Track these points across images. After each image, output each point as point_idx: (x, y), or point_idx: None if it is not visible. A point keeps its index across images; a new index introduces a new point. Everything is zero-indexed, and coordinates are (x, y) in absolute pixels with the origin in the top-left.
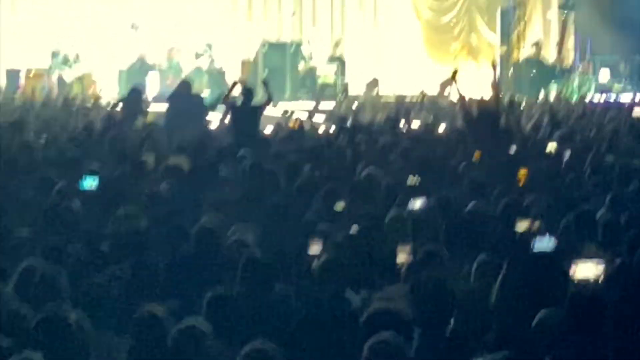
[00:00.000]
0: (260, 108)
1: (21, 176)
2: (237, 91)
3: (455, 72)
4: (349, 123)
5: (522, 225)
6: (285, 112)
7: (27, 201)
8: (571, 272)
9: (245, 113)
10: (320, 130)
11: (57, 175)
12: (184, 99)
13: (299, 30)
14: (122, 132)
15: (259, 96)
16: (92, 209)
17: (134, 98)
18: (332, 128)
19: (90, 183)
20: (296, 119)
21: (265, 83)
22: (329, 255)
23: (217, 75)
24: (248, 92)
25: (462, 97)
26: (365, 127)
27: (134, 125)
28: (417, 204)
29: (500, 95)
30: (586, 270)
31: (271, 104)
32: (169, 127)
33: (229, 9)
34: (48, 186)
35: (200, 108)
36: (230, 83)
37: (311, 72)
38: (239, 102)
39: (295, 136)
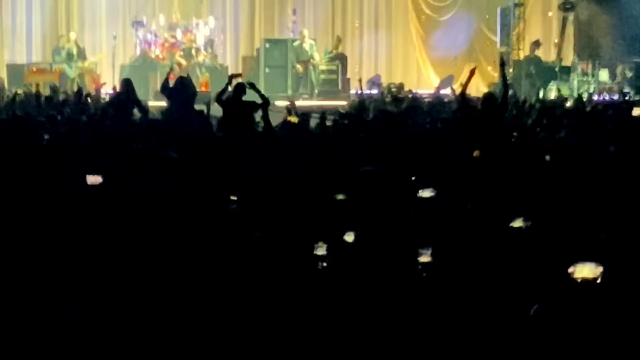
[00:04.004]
0: (255, 105)
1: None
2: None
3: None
4: (350, 119)
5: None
6: (288, 105)
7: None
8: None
9: (237, 109)
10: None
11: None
12: (182, 94)
13: (300, 27)
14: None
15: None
16: None
17: (124, 89)
18: (334, 124)
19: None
20: (295, 114)
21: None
22: None
23: (219, 71)
24: (240, 88)
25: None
26: (367, 122)
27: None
28: (425, 193)
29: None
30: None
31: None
32: (167, 121)
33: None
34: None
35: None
36: (231, 79)
37: (312, 69)
38: (230, 98)
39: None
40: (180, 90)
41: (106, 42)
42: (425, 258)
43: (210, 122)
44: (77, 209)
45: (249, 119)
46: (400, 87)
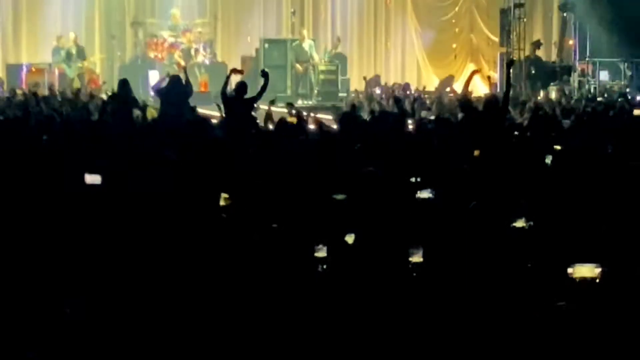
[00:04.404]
0: (253, 100)
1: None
2: (233, 83)
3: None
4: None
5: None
6: (289, 105)
7: None
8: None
9: (238, 107)
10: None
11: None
12: (174, 92)
13: (300, 27)
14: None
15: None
16: None
17: (123, 90)
18: (334, 124)
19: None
20: (294, 114)
21: (264, 74)
22: None
23: (218, 70)
24: (241, 86)
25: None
26: (367, 122)
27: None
28: (424, 194)
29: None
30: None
31: (264, 94)
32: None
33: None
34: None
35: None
36: (231, 78)
37: (312, 69)
38: (232, 95)
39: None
40: (172, 90)
41: (105, 42)
42: (416, 258)
43: (205, 121)
44: (77, 208)
45: (250, 118)
46: (407, 87)
